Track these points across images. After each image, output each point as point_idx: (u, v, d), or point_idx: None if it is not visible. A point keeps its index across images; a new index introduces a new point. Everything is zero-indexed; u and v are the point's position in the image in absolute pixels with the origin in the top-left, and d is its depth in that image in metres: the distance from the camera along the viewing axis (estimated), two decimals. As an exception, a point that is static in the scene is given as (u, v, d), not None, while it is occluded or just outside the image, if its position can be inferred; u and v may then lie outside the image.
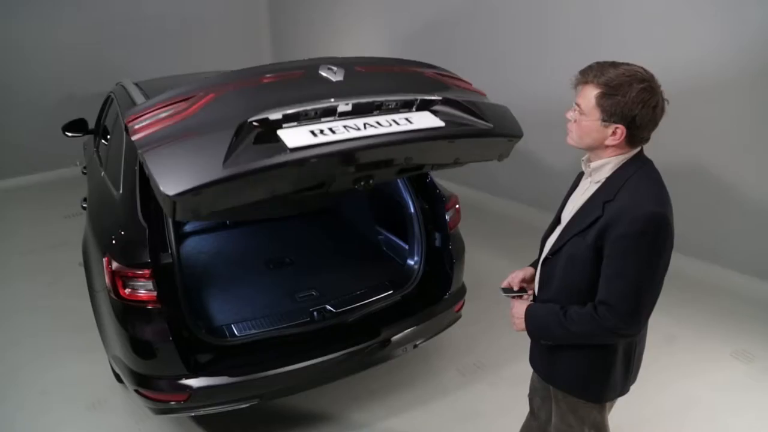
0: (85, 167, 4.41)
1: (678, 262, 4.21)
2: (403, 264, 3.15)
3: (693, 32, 3.89)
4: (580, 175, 1.85)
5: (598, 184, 1.70)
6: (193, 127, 1.90)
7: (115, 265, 2.33)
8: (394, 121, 2.04)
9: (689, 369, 3.27)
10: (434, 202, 3.03)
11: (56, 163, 6.77)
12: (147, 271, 2.32)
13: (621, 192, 1.61)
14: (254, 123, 1.87)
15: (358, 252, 3.57)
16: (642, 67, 1.58)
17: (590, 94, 1.59)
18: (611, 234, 1.58)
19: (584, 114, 1.62)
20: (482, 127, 2.18)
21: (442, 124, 2.09)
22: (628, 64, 1.58)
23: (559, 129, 1.80)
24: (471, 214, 3.87)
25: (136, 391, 2.48)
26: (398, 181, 3.07)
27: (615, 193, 1.62)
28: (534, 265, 2.01)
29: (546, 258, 1.84)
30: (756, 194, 3.89)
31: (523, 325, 1.85)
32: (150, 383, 2.44)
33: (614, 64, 1.58)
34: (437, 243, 3.03)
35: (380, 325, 2.77)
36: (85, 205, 3.44)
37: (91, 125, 4.42)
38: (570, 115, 1.69)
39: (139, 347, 2.41)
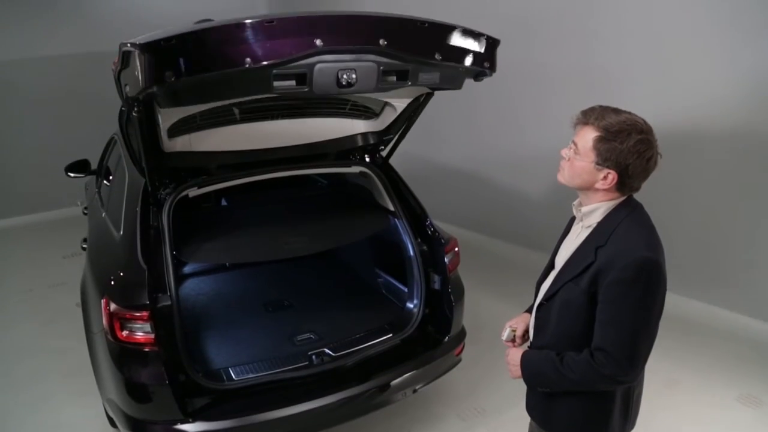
0: (86, 207, 4.43)
1: (679, 305, 4.26)
2: (402, 307, 3.13)
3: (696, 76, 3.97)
4: (572, 219, 1.86)
5: (590, 229, 1.71)
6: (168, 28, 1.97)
7: (113, 306, 2.32)
8: None
9: (694, 414, 3.21)
10: (433, 244, 3.03)
11: (57, 202, 6.81)
12: (145, 313, 2.30)
13: (613, 237, 1.62)
14: None
15: (357, 295, 3.56)
16: (643, 119, 1.60)
17: (589, 135, 1.61)
18: (604, 280, 1.58)
19: (579, 154, 1.63)
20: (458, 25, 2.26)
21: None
22: (629, 113, 1.60)
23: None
24: (470, 257, 3.87)
25: (130, 436, 2.43)
26: (397, 223, 3.08)
27: (607, 238, 1.63)
28: (529, 310, 2.00)
29: (541, 303, 1.84)
30: (757, 236, 3.91)
31: (519, 372, 1.83)
32: (145, 428, 2.39)
33: (617, 111, 1.60)
34: (437, 286, 3.02)
35: (379, 369, 2.74)
36: (84, 246, 3.44)
37: (94, 166, 4.46)
38: (565, 152, 1.70)
39: (135, 391, 2.37)
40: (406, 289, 3.15)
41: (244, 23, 1.87)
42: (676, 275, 4.37)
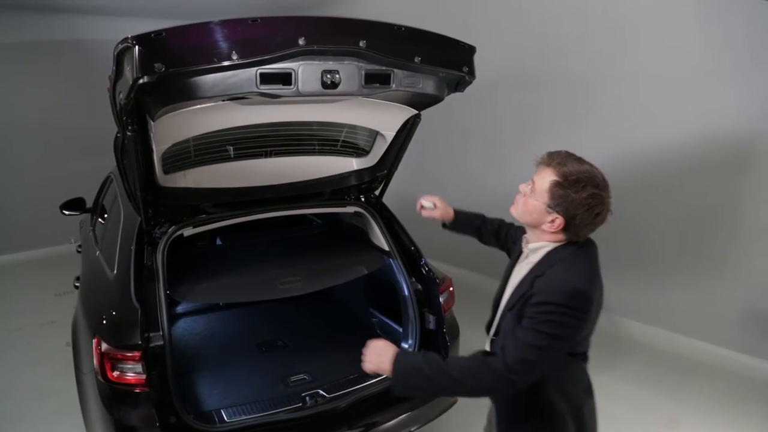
0: (80, 245, 4.41)
1: (679, 344, 4.23)
2: (397, 347, 3.10)
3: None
4: (518, 255, 1.89)
5: (532, 264, 1.73)
6: None
7: (104, 346, 2.29)
8: None
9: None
10: (428, 284, 3.02)
11: (50, 240, 6.78)
12: (137, 354, 2.27)
13: (551, 270, 1.65)
14: None
15: (351, 335, 3.53)
16: (603, 175, 1.64)
17: (547, 178, 1.65)
18: (531, 302, 1.61)
19: (534, 193, 1.68)
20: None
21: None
22: (591, 166, 1.64)
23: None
24: (465, 297, 3.86)
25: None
26: (392, 263, 3.08)
27: (545, 270, 1.66)
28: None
29: (492, 340, 1.87)
30: (754, 274, 3.92)
31: (378, 363, 1.74)
32: (133, 472, 2.34)
33: (580, 161, 1.65)
34: (431, 326, 3.00)
35: (374, 410, 2.70)
36: (77, 284, 3.42)
37: (89, 204, 4.47)
38: (523, 188, 1.75)
39: (124, 433, 2.33)
40: (401, 329, 3.13)
41: (231, 21, 1.94)
42: (674, 314, 4.40)
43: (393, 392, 1.72)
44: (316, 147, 2.99)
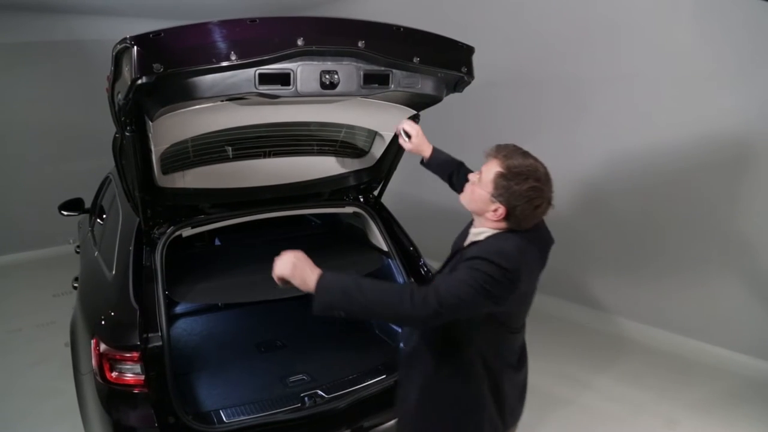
0: (78, 246, 4.41)
1: (678, 343, 4.24)
2: (396, 347, 3.10)
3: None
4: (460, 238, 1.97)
5: None
6: None
7: (103, 347, 2.29)
8: None
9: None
10: (427, 283, 3.02)
11: (49, 240, 6.77)
12: (136, 354, 2.27)
13: (486, 240, 1.76)
14: None
15: (350, 335, 3.52)
16: (546, 170, 1.73)
17: (493, 169, 1.73)
18: (463, 258, 1.69)
19: (481, 182, 1.76)
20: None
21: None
22: (535, 160, 1.73)
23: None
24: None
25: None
26: (391, 263, 3.07)
27: (482, 240, 1.77)
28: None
29: None
30: (757, 274, 3.93)
31: (289, 271, 1.63)
32: (131, 472, 2.33)
33: (525, 154, 1.74)
34: (431, 325, 3.00)
35: (373, 411, 2.69)
36: (76, 285, 3.41)
37: (87, 204, 4.46)
38: (472, 177, 1.85)
39: (123, 434, 2.33)
40: (399, 329, 3.12)
41: (230, 21, 1.95)
42: (673, 315, 4.41)
43: (314, 311, 1.63)
44: (315, 147, 2.99)
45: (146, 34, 1.83)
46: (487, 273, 1.60)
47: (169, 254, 2.63)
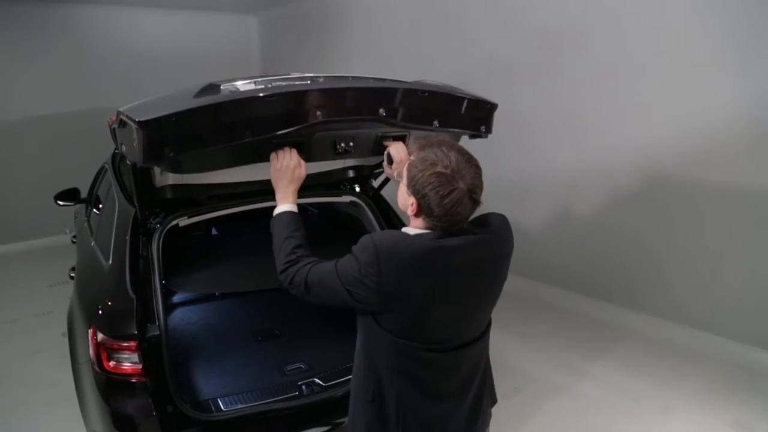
0: (74, 236, 4.40)
1: (673, 332, 4.26)
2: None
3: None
4: None
5: None
6: (166, 95, 2.06)
7: (100, 336, 2.29)
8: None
9: (687, 444, 3.21)
10: None
11: (45, 231, 6.77)
12: (133, 344, 2.27)
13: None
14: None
15: (347, 324, 3.52)
16: (460, 159, 1.53)
17: (408, 160, 1.62)
18: None
19: (402, 177, 1.65)
20: (457, 91, 2.28)
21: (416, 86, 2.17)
22: (450, 149, 1.55)
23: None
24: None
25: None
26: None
27: None
28: None
29: None
30: (752, 263, 3.95)
31: (276, 178, 1.94)
32: (130, 461, 2.34)
33: (440, 143, 1.57)
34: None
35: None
36: (72, 275, 3.41)
37: (83, 194, 4.45)
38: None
39: (121, 422, 2.32)
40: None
41: (244, 99, 1.89)
42: (669, 303, 4.42)
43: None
44: None
45: (158, 119, 1.75)
46: (347, 262, 1.59)
47: (165, 244, 2.63)
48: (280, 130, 1.95)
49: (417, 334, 1.62)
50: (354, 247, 1.59)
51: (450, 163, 1.52)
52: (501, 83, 4.94)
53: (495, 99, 2.38)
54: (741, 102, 3.74)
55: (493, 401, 1.96)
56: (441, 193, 1.51)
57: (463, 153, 1.56)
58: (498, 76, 4.96)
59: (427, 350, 1.64)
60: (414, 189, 1.55)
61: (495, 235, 1.69)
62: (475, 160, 1.57)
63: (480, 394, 1.81)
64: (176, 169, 2.14)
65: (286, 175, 1.92)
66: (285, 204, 1.90)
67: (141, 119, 1.74)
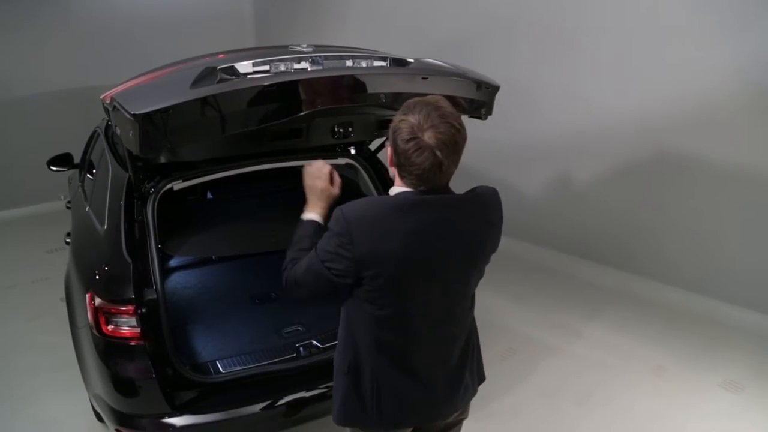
0: (69, 201, 4.37)
1: (664, 293, 4.30)
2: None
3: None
4: None
5: None
6: (162, 77, 2.03)
7: (98, 301, 2.30)
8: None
9: (678, 400, 3.27)
10: None
11: (40, 197, 6.71)
12: (131, 307, 2.28)
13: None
14: (221, 69, 1.95)
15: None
16: (428, 114, 1.48)
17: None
18: None
19: (389, 141, 1.60)
20: (456, 70, 2.25)
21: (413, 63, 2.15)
22: (427, 105, 1.51)
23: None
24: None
25: (117, 430, 2.42)
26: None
27: None
28: None
29: None
30: (743, 228, 3.97)
31: (308, 187, 1.86)
32: (132, 422, 2.38)
33: (427, 103, 1.52)
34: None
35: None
36: (68, 240, 3.40)
37: (77, 159, 4.41)
38: None
39: (122, 385, 2.36)
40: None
41: (243, 89, 1.85)
42: (661, 264, 4.45)
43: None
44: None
45: (155, 112, 1.71)
46: (323, 240, 1.61)
47: (160, 208, 2.62)
48: (279, 119, 1.94)
49: (395, 303, 1.61)
50: (328, 223, 1.61)
51: (419, 115, 1.49)
52: (500, 43, 4.86)
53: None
54: (736, 63, 3.70)
55: (481, 379, 1.95)
56: (403, 137, 1.50)
57: (440, 109, 1.50)
58: (497, 36, 4.88)
59: (405, 321, 1.65)
60: (390, 139, 1.57)
61: (477, 197, 1.68)
62: (454, 119, 1.51)
63: (461, 371, 1.80)
64: (175, 155, 2.10)
65: (315, 193, 1.85)
66: (312, 212, 1.84)
67: (137, 112, 1.71)
